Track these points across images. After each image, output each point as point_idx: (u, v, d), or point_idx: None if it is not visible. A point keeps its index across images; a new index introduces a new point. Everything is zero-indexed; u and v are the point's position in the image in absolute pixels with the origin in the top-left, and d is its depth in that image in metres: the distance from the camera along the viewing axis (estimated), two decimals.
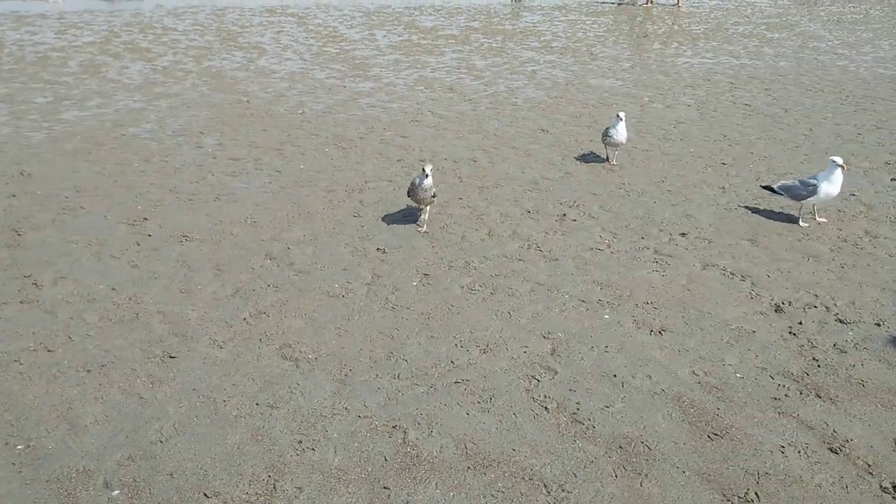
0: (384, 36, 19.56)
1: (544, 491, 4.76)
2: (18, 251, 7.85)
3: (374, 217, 8.81)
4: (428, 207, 8.62)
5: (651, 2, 24.28)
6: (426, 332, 6.54)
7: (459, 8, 24.29)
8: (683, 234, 8.36)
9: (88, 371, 5.92)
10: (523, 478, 4.87)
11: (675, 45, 19.13)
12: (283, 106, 13.33)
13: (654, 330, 6.53)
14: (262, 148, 11.14)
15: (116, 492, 4.73)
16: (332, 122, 12.57)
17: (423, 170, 8.18)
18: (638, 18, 23.48)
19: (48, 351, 6.16)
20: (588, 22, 22.37)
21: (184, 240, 8.18)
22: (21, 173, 9.91)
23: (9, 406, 5.49)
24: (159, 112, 12.77)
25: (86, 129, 11.80)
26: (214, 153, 10.88)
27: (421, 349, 6.30)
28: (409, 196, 8.44)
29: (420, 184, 8.23)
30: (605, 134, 10.39)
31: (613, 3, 25.36)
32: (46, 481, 4.80)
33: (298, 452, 5.09)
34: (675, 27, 21.72)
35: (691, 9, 24.91)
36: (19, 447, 5.09)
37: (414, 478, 4.90)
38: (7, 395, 5.61)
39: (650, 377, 5.88)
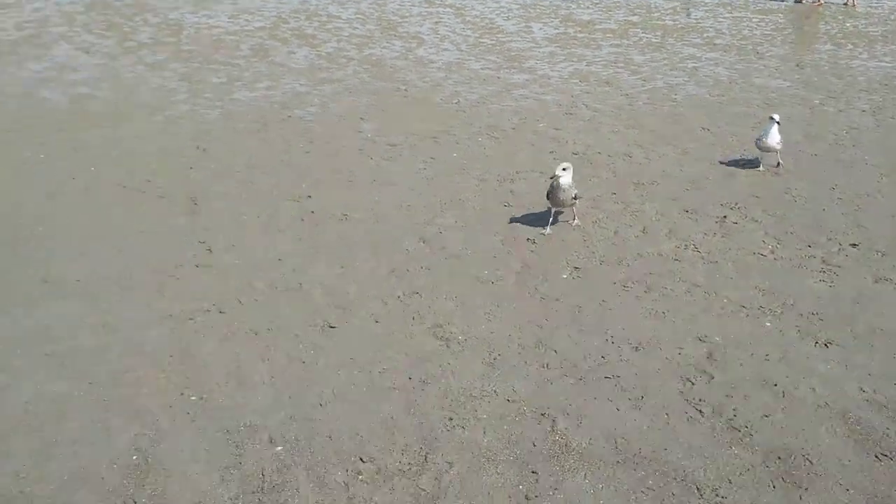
0: (540, 28, 19.50)
1: (697, 493, 4.65)
2: (194, 219, 8.41)
3: (524, 207, 8.83)
4: (574, 210, 8.37)
5: (822, 2, 22.92)
6: (576, 325, 6.51)
7: (618, 2, 23.84)
8: (854, 245, 7.89)
9: (256, 334, 6.29)
10: (675, 478, 4.78)
11: (850, 46, 17.98)
12: (439, 95, 13.55)
13: (820, 342, 6.21)
14: (417, 135, 11.39)
15: (280, 448, 5.01)
16: (486, 112, 12.67)
17: (559, 170, 7.86)
18: (809, 17, 22.25)
19: (220, 312, 6.58)
20: (755, 19, 21.41)
21: (344, 218, 8.50)
22: (197, 148, 10.59)
23: (184, 360, 5.92)
24: (323, 96, 13.29)
25: (255, 110, 12.46)
26: (374, 138, 11.23)
27: (570, 341, 6.28)
28: (547, 199, 8.17)
29: (558, 184, 7.93)
30: (757, 137, 9.93)
31: (781, 2, 24.11)
32: (216, 432, 5.15)
33: (449, 429, 5.21)
34: (850, 27, 20.42)
35: (868, 9, 23.32)
36: (193, 398, 5.48)
37: (563, 466, 4.91)
38: (183, 349, 6.05)
39: (814, 390, 5.60)
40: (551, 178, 8.00)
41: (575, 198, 8.09)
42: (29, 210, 8.46)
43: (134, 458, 4.88)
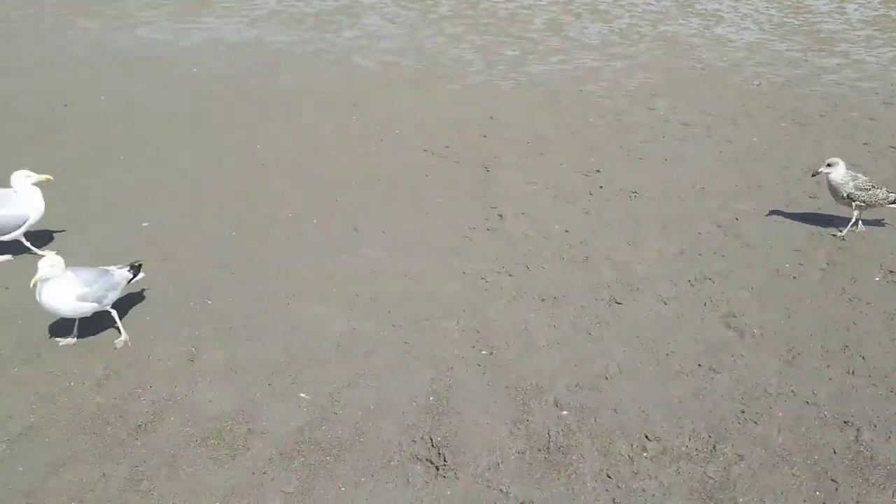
0: (856, 9, 17.74)
1: None
2: (487, 185, 8.75)
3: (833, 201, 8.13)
4: (856, 212, 7.40)
5: None
6: (889, 334, 5.93)
7: None
8: None
9: (543, 300, 6.43)
10: None
11: None
12: (738, 76, 12.85)
13: None
14: (713, 116, 10.90)
15: (566, 412, 5.11)
16: (791, 96, 11.81)
17: (823, 167, 7.34)
18: None
19: (509, 275, 6.81)
20: None
21: (633, 195, 8.39)
22: (490, 117, 10.96)
23: (476, 315, 6.21)
24: (614, 72, 13.15)
25: (547, 83, 12.63)
26: (666, 116, 10.93)
27: (881, 349, 5.74)
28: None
29: (828, 180, 7.34)
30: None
31: None
32: (505, 387, 5.36)
33: (740, 422, 5.00)
34: None
35: None
36: (483, 352, 5.75)
37: (867, 479, 4.53)
38: (474, 306, 6.35)
39: None
40: (814, 174, 7.45)
41: (848, 197, 7.25)
42: (343, 163, 9.29)
43: (430, 399, 5.23)
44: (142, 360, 5.61)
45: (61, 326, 5.87)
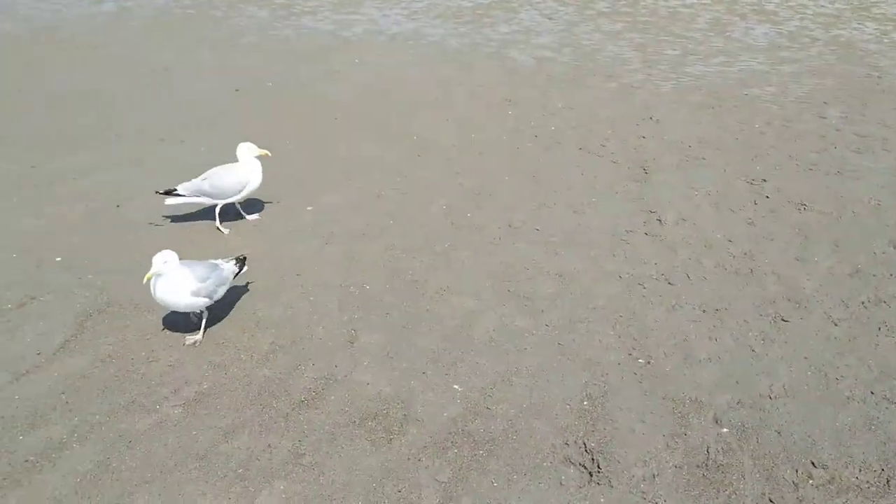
0: None
1: None
2: (645, 187, 8.55)
3: None
4: None
5: None
6: None
7: None
8: None
9: (704, 311, 6.22)
10: None
11: None
12: None
13: None
14: (891, 128, 10.19)
15: (725, 430, 4.93)
16: None
17: None
18: None
19: (668, 283, 6.63)
20: None
21: (802, 208, 7.97)
22: (650, 118, 10.69)
23: (633, 321, 6.09)
24: (781, 76, 12.52)
25: (709, 85, 12.19)
26: (838, 125, 10.31)
27: None
28: None
29: None
30: None
31: None
32: (662, 398, 5.23)
33: None
34: None
35: None
36: (640, 360, 5.63)
37: None
38: (631, 312, 6.22)
39: None
40: None
41: None
42: (497, 157, 9.32)
43: (584, 403, 5.18)
44: (304, 337, 5.85)
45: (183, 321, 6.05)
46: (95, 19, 16.04)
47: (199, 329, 5.81)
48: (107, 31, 15.15)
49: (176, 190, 7.18)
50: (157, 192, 7.26)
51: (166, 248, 5.45)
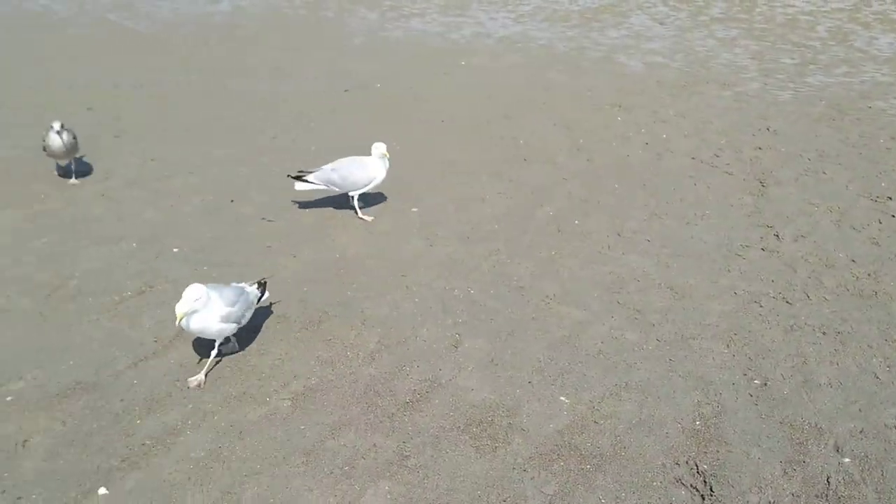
0: None
1: None
2: (761, 201, 8.22)
3: None
4: None
5: None
6: None
7: None
8: None
9: (824, 333, 5.92)
10: None
11: None
12: None
13: None
14: None
15: (847, 459, 4.67)
16: None
17: None
18: None
19: (787, 303, 6.34)
20: None
21: None
22: (767, 129, 10.29)
23: (748, 342, 5.84)
24: None
25: (830, 96, 11.66)
26: None
27: None
28: None
29: None
30: None
31: None
32: (779, 422, 4.99)
33: None
34: None
35: None
36: (756, 382, 5.39)
37: None
38: (747, 330, 5.98)
39: None
40: None
41: None
42: (606, 164, 9.15)
43: (696, 422, 5.00)
44: (409, 338, 5.86)
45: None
46: (212, 18, 16.63)
47: (207, 367, 5.44)
48: (220, 30, 15.69)
49: (305, 175, 7.55)
50: (288, 176, 7.68)
51: (196, 283, 5.13)
